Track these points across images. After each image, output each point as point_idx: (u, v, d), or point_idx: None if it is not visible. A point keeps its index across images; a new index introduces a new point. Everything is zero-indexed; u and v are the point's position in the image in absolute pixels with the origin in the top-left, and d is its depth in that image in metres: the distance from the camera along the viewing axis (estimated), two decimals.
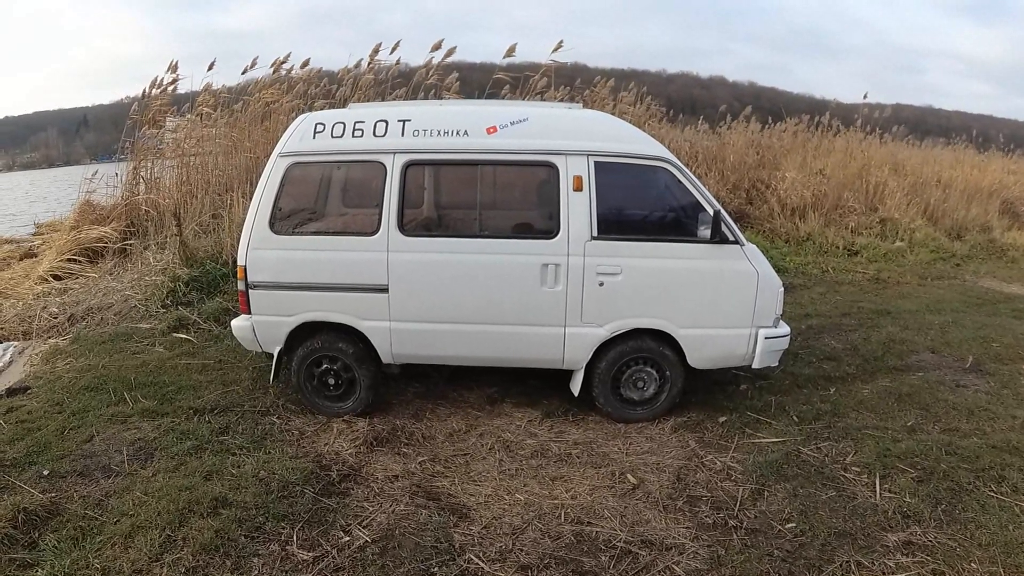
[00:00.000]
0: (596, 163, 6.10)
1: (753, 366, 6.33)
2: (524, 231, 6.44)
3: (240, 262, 6.28)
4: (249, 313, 6.37)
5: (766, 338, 6.23)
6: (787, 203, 15.99)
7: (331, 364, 6.45)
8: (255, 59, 13.48)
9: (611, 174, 6.15)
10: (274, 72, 13.64)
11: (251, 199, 6.46)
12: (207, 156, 12.81)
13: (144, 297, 9.70)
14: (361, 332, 6.31)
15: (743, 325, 6.22)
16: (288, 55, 13.49)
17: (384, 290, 6.17)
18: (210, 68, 14.36)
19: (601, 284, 6.10)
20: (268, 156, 6.43)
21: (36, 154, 67.94)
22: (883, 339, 9.00)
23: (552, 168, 6.10)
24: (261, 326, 6.39)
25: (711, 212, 6.04)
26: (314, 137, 6.25)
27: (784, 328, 6.43)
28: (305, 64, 14.01)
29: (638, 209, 6.67)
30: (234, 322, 6.55)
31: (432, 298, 6.20)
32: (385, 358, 6.42)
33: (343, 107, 7.23)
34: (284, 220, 6.29)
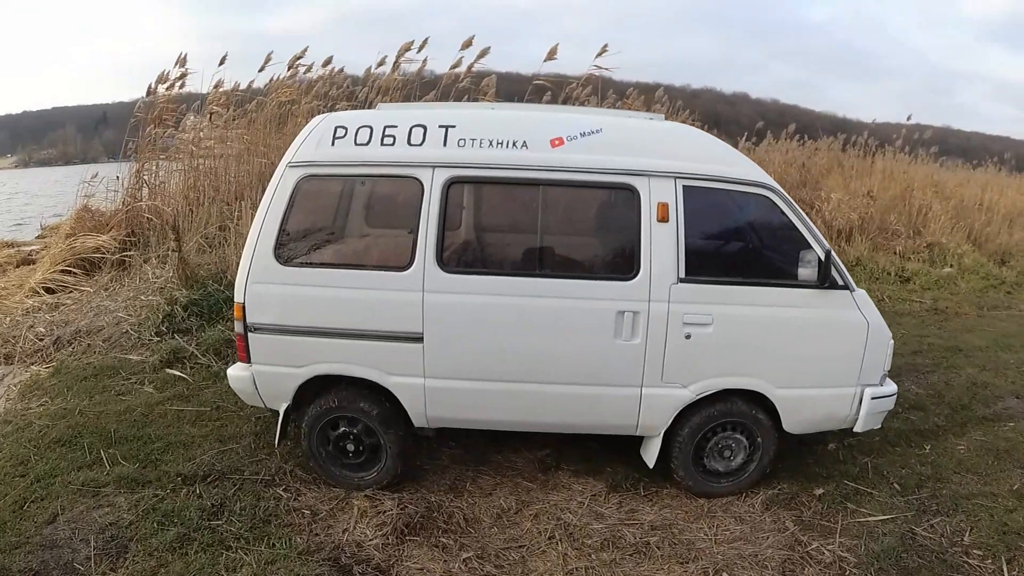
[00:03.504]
0: (685, 188, 4.92)
1: (855, 430, 5.26)
2: (595, 270, 5.18)
3: (238, 298, 5.00)
4: (248, 361, 5.07)
5: (872, 399, 5.15)
6: (833, 225, 14.95)
7: (350, 427, 5.16)
8: (269, 54, 12.07)
9: (702, 201, 5.00)
10: (290, 70, 12.23)
11: (259, 207, 5.18)
12: (218, 160, 11.56)
13: (137, 321, 8.44)
14: (388, 390, 5.04)
15: (848, 384, 5.14)
16: (305, 50, 12.12)
17: (418, 339, 4.89)
18: (221, 63, 12.36)
19: (688, 336, 4.91)
20: None
21: (53, 150, 66.77)
22: (964, 383, 8.12)
23: (631, 192, 4.89)
24: (264, 378, 5.09)
25: (820, 252, 4.96)
26: (333, 143, 4.96)
27: (891, 386, 5.33)
28: (327, 62, 12.66)
29: (733, 245, 5.47)
30: (231, 371, 5.25)
31: (478, 351, 4.95)
32: (417, 421, 5.14)
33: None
34: (293, 247, 5.02)
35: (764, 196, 5.04)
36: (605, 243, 5.35)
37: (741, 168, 5.08)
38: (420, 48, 12.15)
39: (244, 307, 4.95)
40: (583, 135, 4.92)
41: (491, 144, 4.89)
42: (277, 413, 5.20)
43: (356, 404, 5.07)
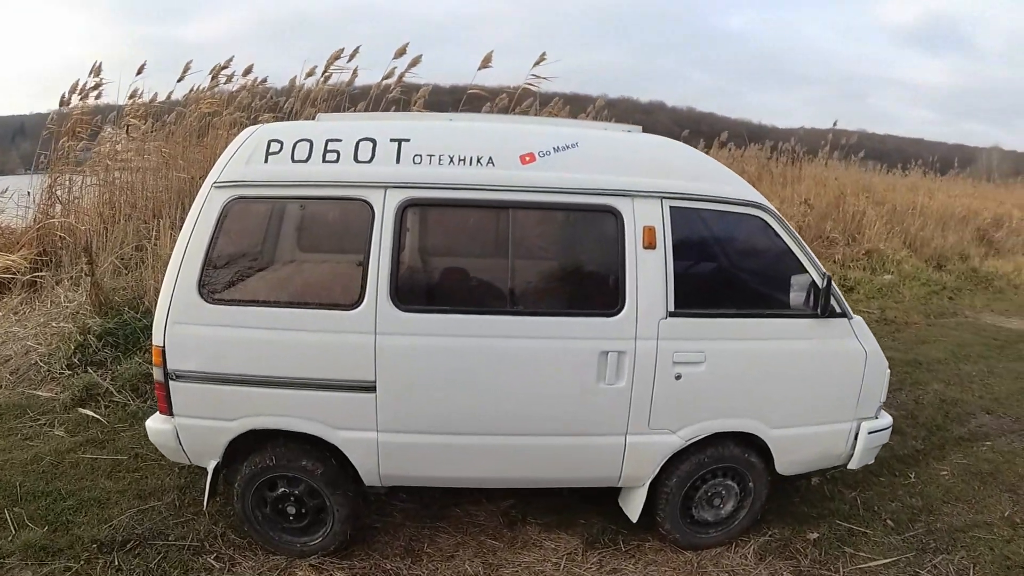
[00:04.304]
0: (673, 209, 4.31)
1: (849, 467, 4.83)
2: (574, 305, 4.47)
3: (156, 341, 4.18)
4: (170, 413, 4.26)
5: (869, 433, 4.71)
6: None
7: (291, 487, 4.40)
8: (188, 63, 11.08)
9: (692, 225, 4.46)
10: (212, 79, 11.31)
11: (180, 233, 4.34)
12: (135, 174, 10.53)
13: (48, 351, 7.49)
14: (334, 445, 4.30)
15: (844, 419, 4.69)
16: (231, 60, 11.22)
17: (369, 388, 4.15)
18: (139, 72, 11.21)
19: (678, 377, 4.30)
20: (206, 178, 4.35)
21: None
22: (934, 400, 7.91)
23: (614, 215, 4.25)
24: (188, 433, 4.29)
25: (819, 278, 4.46)
26: (266, 160, 4.18)
27: (886, 419, 4.88)
28: (248, 71, 11.69)
29: (725, 273, 4.85)
30: (150, 423, 4.41)
31: (440, 400, 4.23)
32: (369, 480, 4.40)
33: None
34: (220, 282, 4.23)
35: (758, 217, 4.50)
36: (584, 274, 4.68)
37: (732, 186, 4.51)
38: (351, 57, 11.28)
39: (164, 351, 4.15)
40: (557, 150, 4.27)
41: (452, 161, 4.19)
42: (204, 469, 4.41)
43: (297, 462, 4.31)
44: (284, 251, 4.88)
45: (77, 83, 10.64)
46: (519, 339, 4.19)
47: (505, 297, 4.38)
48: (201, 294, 4.10)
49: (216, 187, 4.17)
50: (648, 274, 4.22)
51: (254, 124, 4.75)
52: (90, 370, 7.09)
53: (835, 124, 20.24)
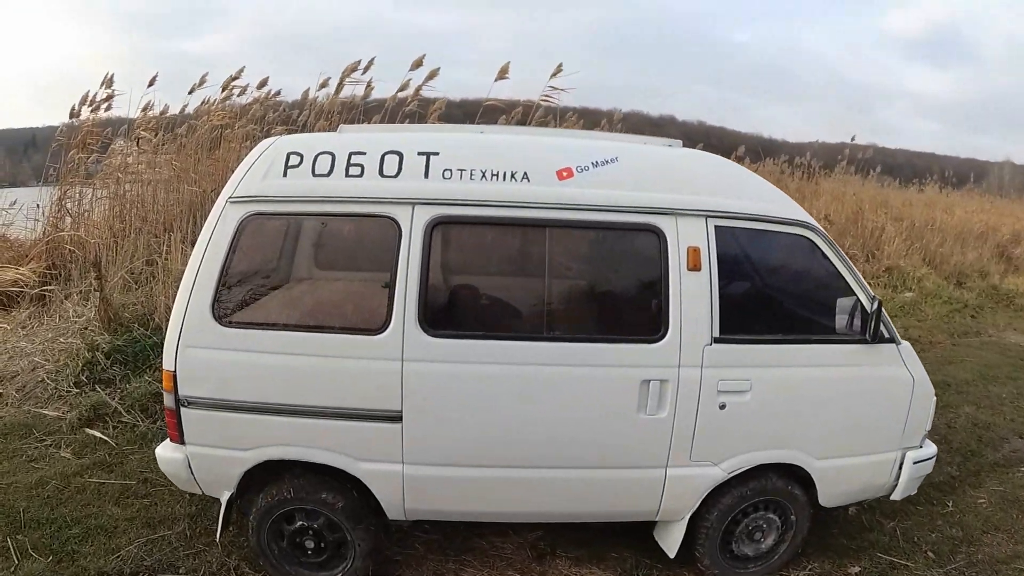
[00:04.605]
0: (718, 229, 4.06)
1: (892, 497, 4.60)
2: (614, 331, 4.17)
3: (167, 365, 3.90)
4: (181, 442, 3.99)
5: (914, 463, 4.51)
6: None
7: (309, 521, 4.11)
8: (204, 75, 10.85)
9: (737, 245, 4.21)
10: (224, 91, 11.06)
11: (193, 251, 4.06)
12: (146, 187, 10.31)
13: (55, 368, 7.22)
14: (356, 477, 4.02)
15: (889, 448, 4.48)
16: (241, 70, 10.96)
17: (395, 418, 3.87)
18: (151, 84, 10.97)
19: (722, 406, 4.05)
20: (218, 191, 4.07)
21: None
22: (966, 424, 7.63)
23: (656, 235, 3.99)
24: (201, 462, 4.02)
25: (867, 301, 4.24)
26: (285, 174, 3.92)
27: (931, 448, 4.69)
28: (263, 83, 11.44)
29: (771, 296, 4.57)
30: (160, 451, 4.14)
31: (470, 431, 3.95)
32: (393, 514, 4.12)
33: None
34: (235, 303, 3.97)
35: (804, 237, 4.26)
36: (625, 298, 4.40)
37: (778, 204, 4.27)
38: (366, 69, 10.99)
39: (175, 376, 3.88)
40: (596, 165, 4.01)
41: (484, 176, 3.92)
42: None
43: (316, 495, 4.03)
44: (303, 270, 4.61)
45: (88, 95, 10.44)
46: (556, 367, 3.92)
47: (541, 322, 4.13)
48: (215, 316, 3.85)
49: (231, 202, 3.92)
50: (692, 298, 3.97)
51: (267, 137, 4.45)
52: (98, 388, 6.83)
53: (853, 139, 20.09)
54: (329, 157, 3.94)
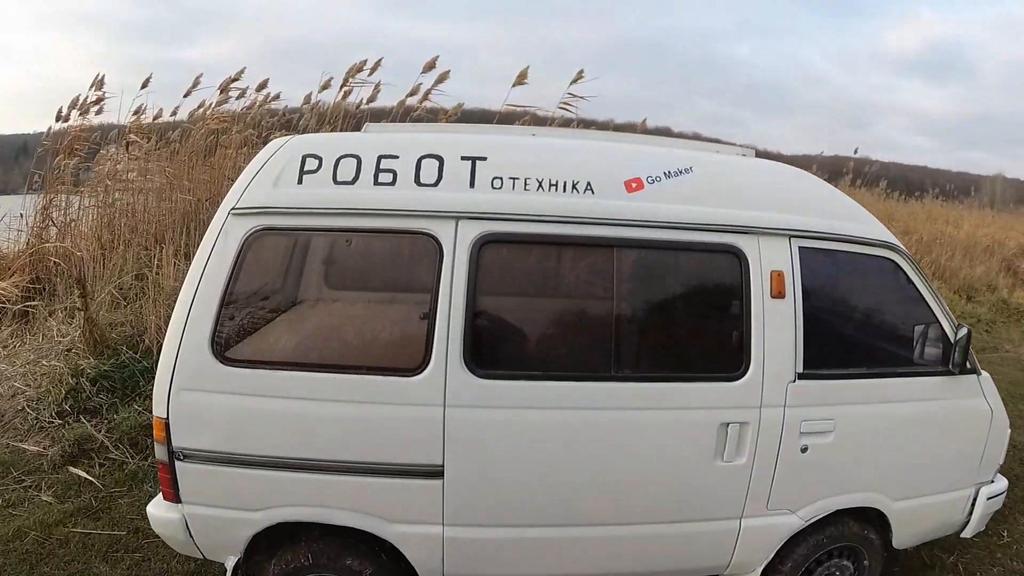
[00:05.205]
0: (802, 250, 3.58)
1: (963, 535, 4.28)
2: (690, 368, 3.60)
3: (157, 411, 3.28)
4: (177, 500, 3.36)
5: (988, 499, 4.18)
6: None
7: None
8: (198, 77, 10.20)
9: (820, 268, 3.71)
10: (222, 93, 10.43)
11: (188, 272, 3.40)
12: (136, 195, 9.64)
13: (37, 395, 6.57)
14: (388, 542, 3.40)
15: (964, 485, 4.13)
16: (242, 71, 10.31)
17: (435, 474, 3.27)
18: (144, 86, 10.26)
19: (804, 449, 3.59)
20: (213, 199, 3.46)
21: None
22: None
23: (737, 257, 3.47)
24: (201, 524, 3.39)
25: (951, 328, 3.86)
26: (300, 180, 3.30)
27: (1002, 482, 4.35)
28: (262, 86, 10.73)
29: (855, 325, 4.09)
30: (152, 509, 3.50)
31: (524, 487, 3.37)
32: None
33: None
34: (239, 337, 3.34)
35: (889, 260, 3.84)
36: (702, 330, 3.81)
37: (864, 223, 3.81)
38: (372, 70, 10.28)
39: (168, 424, 3.25)
40: (668, 175, 3.46)
41: (541, 186, 3.34)
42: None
43: (340, 561, 3.43)
44: (322, 297, 3.99)
45: (78, 98, 9.85)
46: (625, 411, 3.38)
47: (608, 359, 3.48)
48: (215, 353, 3.22)
49: (235, 215, 3.29)
50: (776, 329, 3.48)
51: (266, 143, 3.75)
52: (83, 419, 6.18)
53: (856, 151, 19.97)
54: (354, 161, 3.34)
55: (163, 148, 10.19)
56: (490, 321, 3.52)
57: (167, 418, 3.24)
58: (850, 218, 3.76)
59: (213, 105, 10.49)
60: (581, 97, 10.23)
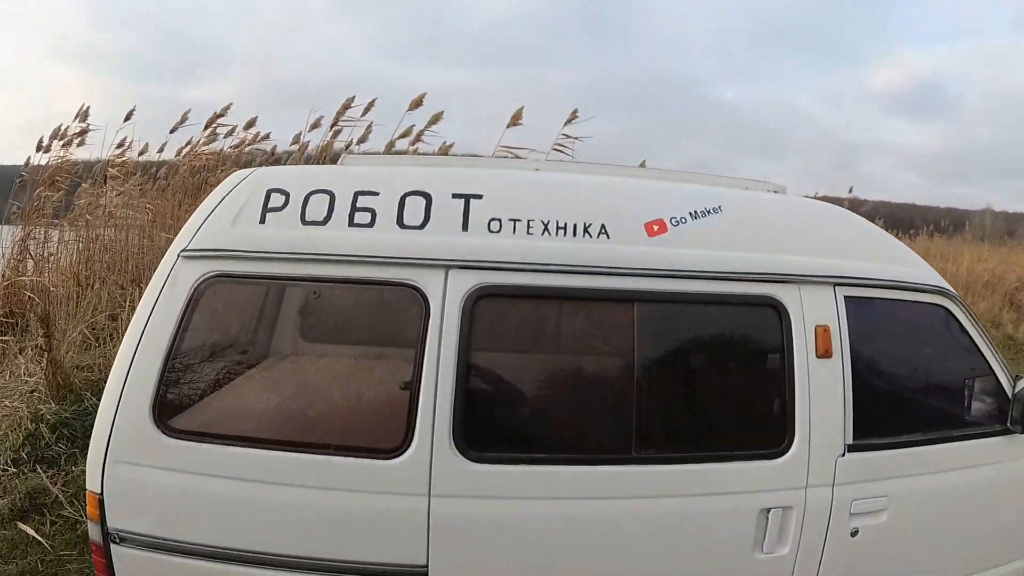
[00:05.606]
0: (847, 300, 3.10)
1: None
2: (725, 445, 3.08)
3: (91, 485, 2.82)
4: None
5: None
6: None
7: None
8: (186, 112, 9.91)
9: (868, 321, 3.22)
10: (207, 130, 10.08)
11: (129, 324, 2.92)
12: (118, 231, 9.30)
13: None
14: None
15: (1020, 555, 3.58)
16: (228, 107, 9.99)
17: (418, 575, 2.75)
18: (127, 118, 9.94)
19: (854, 533, 3.05)
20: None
21: None
22: None
23: (776, 310, 3.00)
24: None
25: (1008, 382, 3.39)
26: (263, 219, 2.85)
27: None
28: (250, 124, 10.40)
29: (907, 383, 3.59)
30: None
31: None
32: None
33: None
34: (186, 404, 2.88)
35: (941, 307, 3.36)
36: (738, 398, 3.27)
37: (913, 267, 3.39)
38: (366, 110, 9.96)
39: (102, 501, 2.78)
40: (695, 216, 3.02)
41: (547, 229, 2.88)
42: None
43: None
44: (287, 359, 3.53)
45: (60, 127, 9.53)
46: (647, 499, 2.87)
47: (627, 437, 2.96)
48: (156, 421, 2.75)
49: (185, 257, 2.84)
50: (823, 394, 3.00)
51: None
52: (39, 469, 5.67)
53: (851, 191, 19.86)
54: (327, 197, 2.89)
55: (149, 184, 9.92)
56: (485, 392, 3.00)
57: (101, 494, 2.79)
58: (898, 260, 3.34)
59: (200, 142, 10.20)
60: (576, 138, 9.84)
